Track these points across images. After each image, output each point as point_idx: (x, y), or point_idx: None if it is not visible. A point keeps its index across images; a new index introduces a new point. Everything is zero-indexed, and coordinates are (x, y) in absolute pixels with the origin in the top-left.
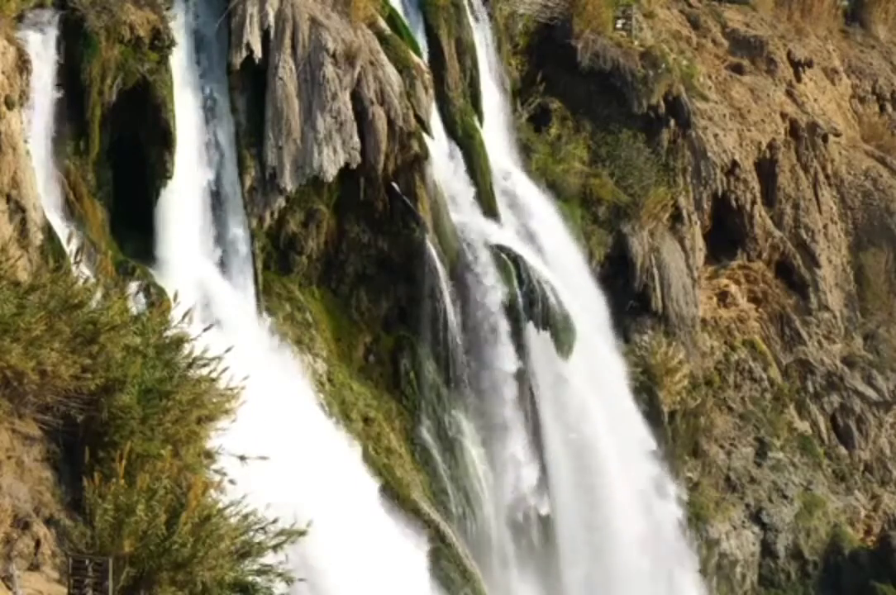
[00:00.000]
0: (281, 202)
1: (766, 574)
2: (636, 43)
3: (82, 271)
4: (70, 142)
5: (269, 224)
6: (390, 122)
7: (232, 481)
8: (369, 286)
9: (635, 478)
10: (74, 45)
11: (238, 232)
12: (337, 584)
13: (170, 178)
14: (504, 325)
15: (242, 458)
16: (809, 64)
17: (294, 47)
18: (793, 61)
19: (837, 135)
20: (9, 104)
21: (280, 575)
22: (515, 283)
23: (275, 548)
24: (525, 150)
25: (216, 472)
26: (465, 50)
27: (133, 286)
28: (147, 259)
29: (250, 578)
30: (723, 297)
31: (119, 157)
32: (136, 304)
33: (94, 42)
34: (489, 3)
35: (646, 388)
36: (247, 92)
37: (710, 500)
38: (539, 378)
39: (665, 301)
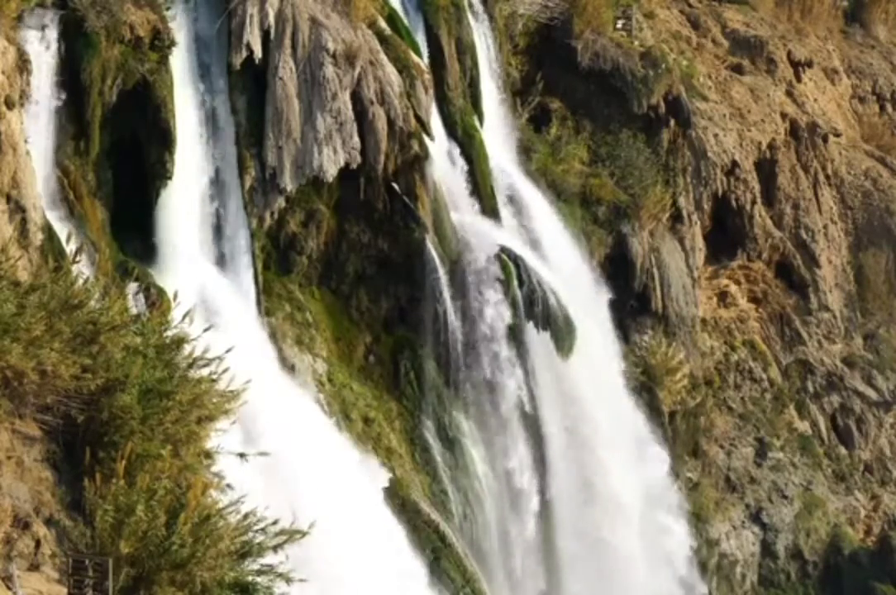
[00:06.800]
0: (281, 202)
1: (766, 574)
2: (636, 43)
3: (82, 271)
4: (70, 142)
5: (269, 224)
6: (390, 122)
7: (229, 485)
8: (369, 286)
9: (635, 476)
10: (74, 45)
11: (238, 232)
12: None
13: (170, 178)
14: (504, 326)
15: (242, 455)
16: (809, 64)
17: (294, 47)
18: (793, 61)
19: (837, 135)
20: (9, 104)
21: (280, 575)
22: (515, 283)
23: (275, 548)
24: (525, 150)
25: (215, 474)
26: (465, 50)
27: (133, 286)
28: (147, 259)
29: (250, 578)
30: (723, 297)
31: (119, 157)
32: (136, 305)
33: (94, 42)
34: (489, 3)
35: (646, 388)
36: (247, 92)
37: (710, 500)
38: (539, 378)
39: (665, 301)
